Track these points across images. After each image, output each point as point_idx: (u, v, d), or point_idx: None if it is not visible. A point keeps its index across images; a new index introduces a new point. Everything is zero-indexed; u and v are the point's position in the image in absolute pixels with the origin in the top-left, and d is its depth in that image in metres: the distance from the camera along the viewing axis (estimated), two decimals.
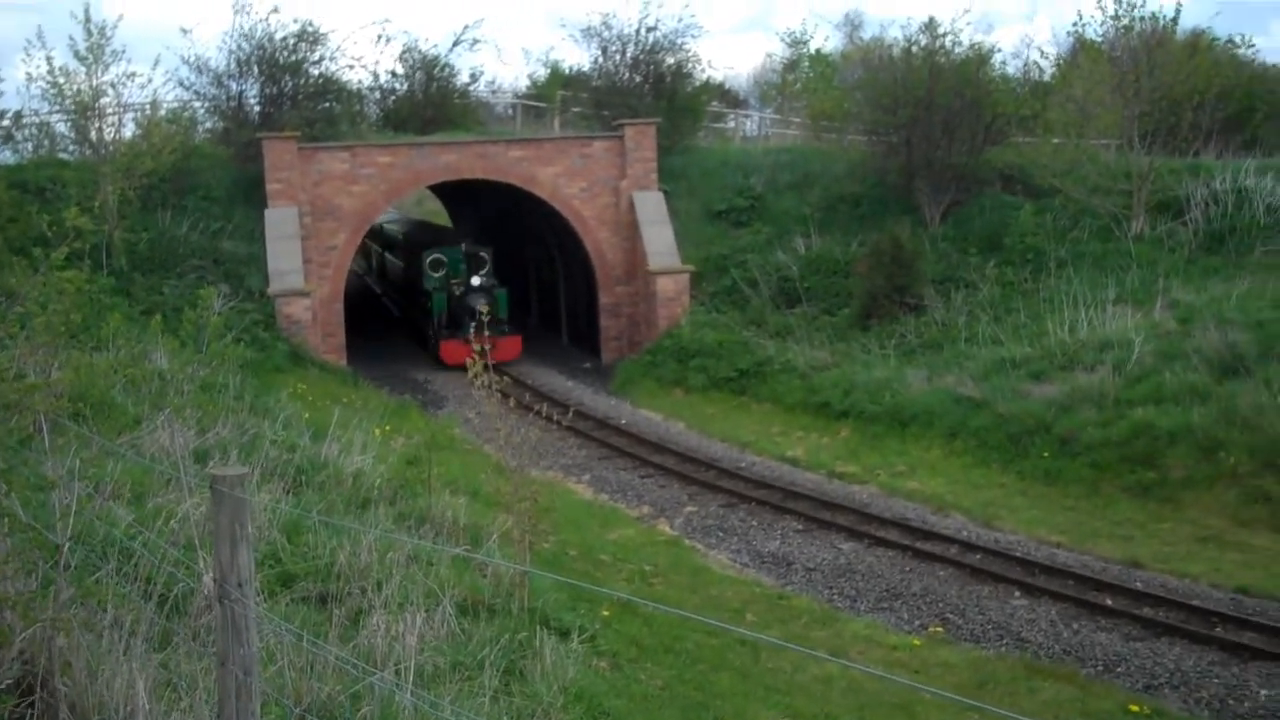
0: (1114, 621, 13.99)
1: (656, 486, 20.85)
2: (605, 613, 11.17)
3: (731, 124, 48.85)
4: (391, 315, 43.83)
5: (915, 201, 31.55)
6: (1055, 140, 30.81)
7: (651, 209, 31.63)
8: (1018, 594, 14.90)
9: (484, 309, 24.46)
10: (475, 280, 33.17)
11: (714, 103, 47.53)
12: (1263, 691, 12.10)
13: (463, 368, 24.51)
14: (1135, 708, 11.64)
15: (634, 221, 31.58)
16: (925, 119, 31.20)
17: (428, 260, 34.46)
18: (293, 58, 32.97)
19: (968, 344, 25.25)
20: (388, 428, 17.29)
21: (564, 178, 32.06)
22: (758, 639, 11.77)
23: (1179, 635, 13.46)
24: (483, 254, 34.37)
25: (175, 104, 32.43)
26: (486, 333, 23.04)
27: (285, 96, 32.99)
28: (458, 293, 33.07)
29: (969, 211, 31.11)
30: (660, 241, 31.08)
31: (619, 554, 15.82)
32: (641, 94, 36.71)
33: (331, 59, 34.55)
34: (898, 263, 28.25)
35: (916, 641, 13.60)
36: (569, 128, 39.74)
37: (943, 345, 25.86)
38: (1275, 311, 22.19)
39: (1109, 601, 14.44)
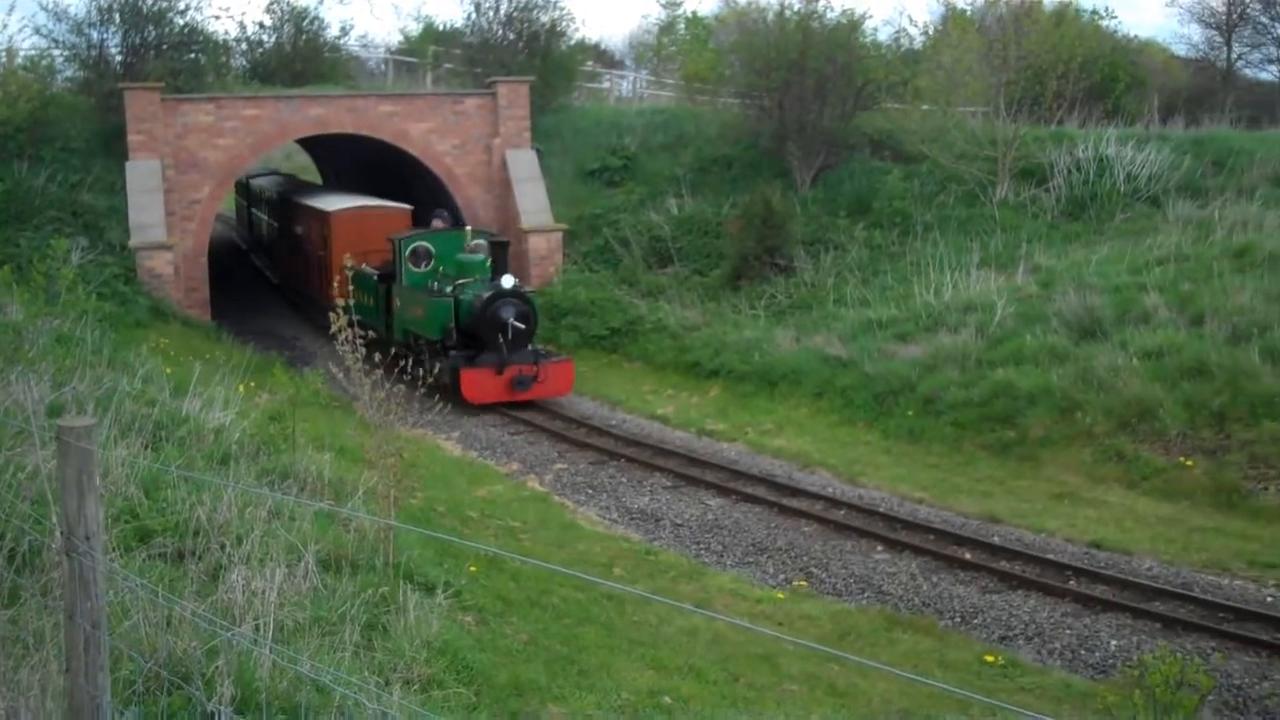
0: (972, 575, 14.33)
1: (526, 444, 20.84)
2: (472, 568, 11.13)
3: (606, 84, 48.71)
4: (260, 270, 42.44)
5: (787, 164, 31.79)
6: (924, 107, 31.27)
7: (524, 167, 31.43)
8: (880, 548, 15.18)
9: (520, 324, 22.86)
10: (506, 281, 23.46)
11: (589, 63, 47.43)
12: (1113, 641, 12.48)
13: (493, 408, 23.03)
14: (991, 658, 11.94)
15: (506, 180, 31.35)
16: (798, 83, 31.43)
17: (408, 250, 26.06)
18: (156, 6, 32.01)
19: (836, 305, 25.57)
20: (252, 384, 17.00)
21: (436, 134, 31.69)
22: (625, 591, 11.84)
23: (1034, 588, 13.83)
24: (500, 240, 25.61)
25: (32, 52, 31.41)
26: (531, 358, 22.15)
27: (149, 46, 32.02)
28: (471, 298, 23.81)
29: (839, 175, 31.45)
30: (533, 200, 30.91)
31: (488, 510, 15.78)
32: (515, 52, 36.40)
33: (197, 9, 33.89)
34: (768, 224, 28.44)
35: (781, 595, 13.79)
36: (441, 84, 39.28)
37: (811, 306, 26.17)
38: (1132, 276, 22.83)
39: (968, 555, 14.78)
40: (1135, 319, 20.92)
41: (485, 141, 31.86)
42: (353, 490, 11.40)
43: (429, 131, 31.61)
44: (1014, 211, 28.15)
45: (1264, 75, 53.44)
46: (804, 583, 14.28)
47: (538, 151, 32.10)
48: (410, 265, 25.64)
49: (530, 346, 23.40)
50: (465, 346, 23.61)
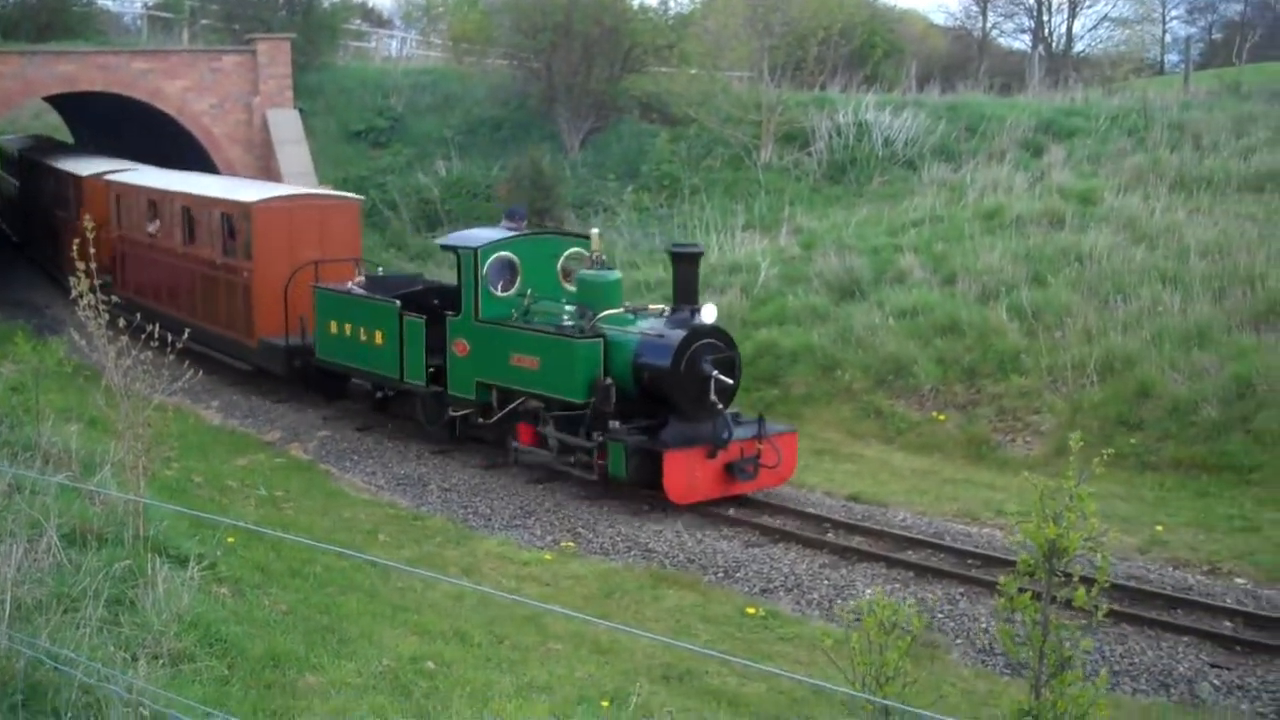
0: (735, 530, 14.60)
1: (291, 411, 20.36)
2: (230, 539, 10.82)
3: (373, 44, 47.80)
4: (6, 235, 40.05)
5: (556, 127, 31.77)
6: (691, 71, 31.61)
7: (286, 128, 30.62)
8: (646, 507, 15.33)
9: (728, 380, 14.89)
10: (708, 314, 15.15)
11: (357, 21, 46.44)
12: (868, 590, 12.88)
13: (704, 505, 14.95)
14: (752, 610, 12.20)
15: (268, 140, 30.49)
16: (565, 45, 31.40)
17: (487, 264, 16.66)
18: None
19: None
20: None
21: (193, 93, 30.59)
22: (374, 562, 11.69)
23: (794, 541, 14.18)
24: (689, 251, 15.93)
25: None
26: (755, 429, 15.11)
27: None
28: (638, 340, 15.30)
29: (608, 138, 31.59)
30: (296, 161, 30.15)
31: (248, 479, 15.38)
32: (275, 8, 35.42)
33: None
34: (538, 187, 28.42)
35: (548, 556, 13.82)
36: (199, 41, 37.95)
37: None
38: (889, 238, 23.58)
39: (731, 512, 15.04)
40: (892, 279, 21.64)
41: (245, 100, 30.92)
42: (102, 462, 10.97)
43: (185, 90, 30.49)
44: (778, 175, 28.73)
45: (1016, 44, 55.68)
46: (571, 543, 14.35)
47: (300, 111, 31.31)
48: (491, 287, 16.60)
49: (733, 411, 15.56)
50: (629, 414, 15.26)
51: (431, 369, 17.38)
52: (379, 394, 19.20)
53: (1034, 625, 6.51)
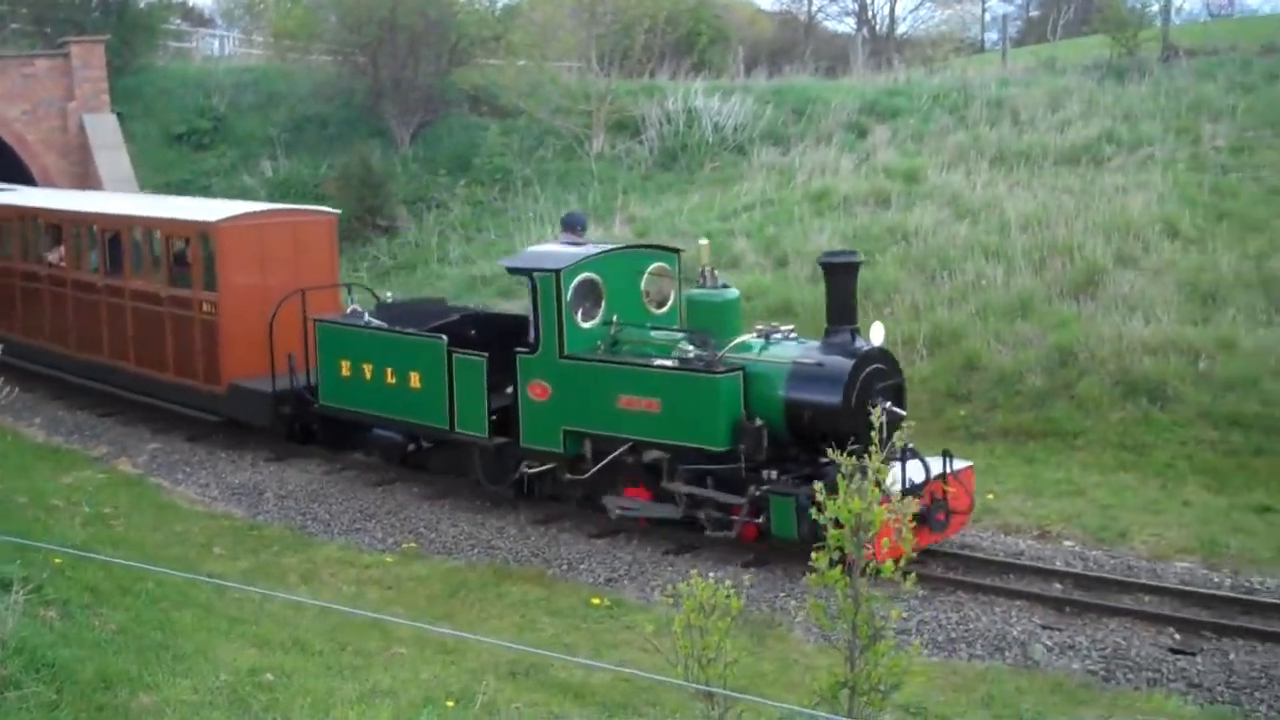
0: (577, 524, 14.57)
1: (118, 425, 19.75)
2: (56, 560, 10.48)
3: (193, 44, 46.64)
4: None
5: (384, 123, 31.39)
6: (520, 62, 31.48)
7: (104, 133, 29.71)
8: (488, 504, 15.25)
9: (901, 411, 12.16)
10: (876, 335, 12.72)
11: (176, 21, 45.25)
12: (710, 574, 12.97)
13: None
14: (596, 601, 12.22)
15: (86, 146, 29.56)
16: (390, 39, 31.04)
17: (571, 288, 13.74)
18: None
19: (440, 264, 25.55)
20: None
21: (3, 100, 29.55)
22: (201, 581, 11.44)
23: (635, 534, 14.18)
24: (845, 260, 13.29)
25: None
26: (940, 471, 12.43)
27: None
28: (788, 370, 12.68)
29: (438, 132, 31.35)
30: (115, 167, 29.25)
31: (74, 497, 14.92)
32: (89, 10, 34.36)
33: None
34: (368, 185, 28.06)
35: (389, 558, 13.67)
36: (9, 46, 36.61)
37: (416, 266, 26.04)
38: (722, 223, 23.83)
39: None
40: (726, 263, 21.82)
41: (60, 106, 29.95)
42: None
43: None
44: (610, 164, 28.79)
45: (842, 27, 56.55)
46: (414, 544, 14.20)
47: (119, 115, 30.42)
48: (574, 315, 13.78)
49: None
50: (774, 460, 12.71)
51: (493, 417, 14.46)
52: (411, 446, 15.97)
53: (845, 599, 6.63)
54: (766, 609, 11.91)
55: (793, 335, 13.30)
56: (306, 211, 20.19)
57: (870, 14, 52.67)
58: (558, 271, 13.53)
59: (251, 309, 17.52)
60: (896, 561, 6.64)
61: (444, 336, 14.94)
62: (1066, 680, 10.30)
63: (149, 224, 19.76)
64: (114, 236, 20.14)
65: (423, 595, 12.48)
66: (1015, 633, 11.22)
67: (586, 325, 13.79)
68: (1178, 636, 10.95)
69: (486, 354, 14.40)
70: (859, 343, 12.62)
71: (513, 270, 15.06)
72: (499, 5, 36.93)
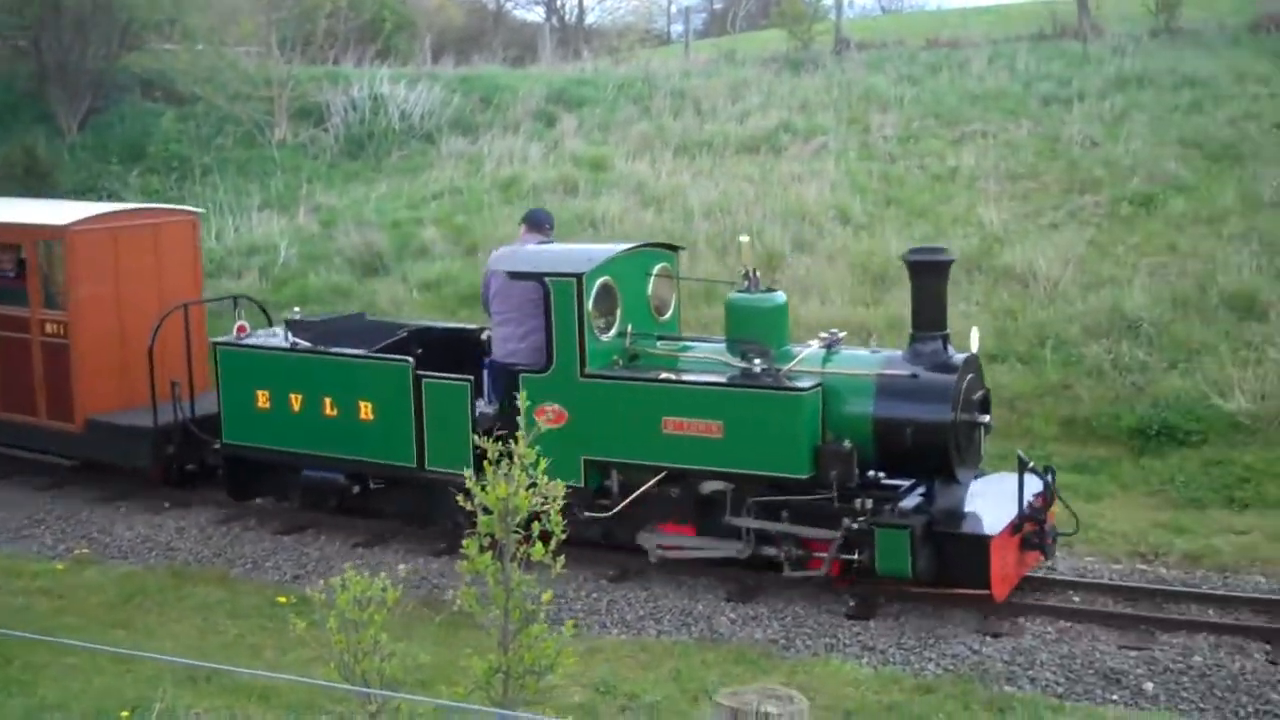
0: (262, 521, 14.18)
1: None
2: None
3: None
4: None
5: (50, 108, 29.75)
6: (197, 47, 30.36)
7: None
8: (168, 505, 14.68)
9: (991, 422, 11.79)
10: (975, 340, 11.76)
11: None
12: (400, 566, 12.83)
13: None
14: (283, 599, 11.90)
15: None
16: (54, 21, 29.40)
17: (593, 293, 11.82)
18: None
19: None
20: None
21: None
22: None
23: (324, 527, 13.89)
24: (937, 257, 11.71)
25: None
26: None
27: None
28: (874, 380, 11.23)
29: (109, 119, 29.95)
30: None
31: None
32: None
33: None
34: (33, 174, 26.55)
35: (60, 566, 12.97)
36: None
37: None
38: (410, 212, 23.61)
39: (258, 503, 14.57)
40: (415, 252, 21.67)
41: None
42: None
43: None
44: (294, 152, 28.10)
45: (531, 16, 56.80)
46: (87, 550, 13.51)
47: None
48: (596, 325, 11.96)
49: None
50: (854, 486, 11.18)
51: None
52: (356, 489, 13.44)
53: (496, 584, 6.64)
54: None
55: (829, 342, 11.77)
56: (166, 211, 17.15)
57: (559, 3, 53.13)
58: (579, 276, 11.61)
59: (107, 329, 15.12)
60: (546, 545, 6.66)
61: (409, 359, 12.74)
62: (750, 650, 10.62)
63: None
64: None
65: (95, 603, 11.87)
66: (701, 608, 11.49)
67: (605, 338, 11.97)
68: (852, 603, 11.43)
69: (471, 378, 12.43)
70: (949, 352, 11.32)
71: (517, 275, 12.17)
72: None
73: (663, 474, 11.63)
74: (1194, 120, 22.37)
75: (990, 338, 16.00)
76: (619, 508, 11.81)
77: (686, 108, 27.59)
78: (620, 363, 11.99)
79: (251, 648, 10.81)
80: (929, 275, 11.36)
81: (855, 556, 11.03)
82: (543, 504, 6.62)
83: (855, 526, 10.92)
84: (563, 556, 6.73)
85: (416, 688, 8.07)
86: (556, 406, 11.72)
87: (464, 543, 6.75)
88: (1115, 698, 9.65)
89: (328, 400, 13.01)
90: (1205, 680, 9.81)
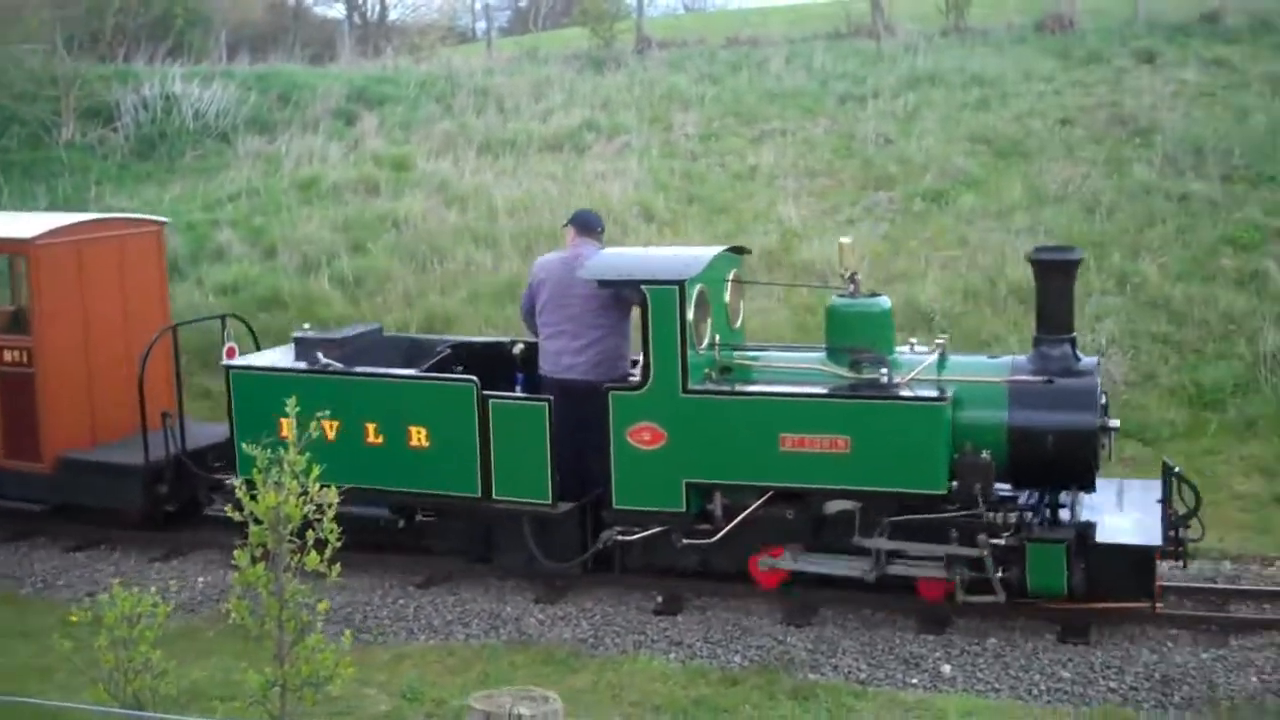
0: (54, 539, 13.72)
1: None
2: None
3: None
4: None
5: None
6: None
7: None
8: None
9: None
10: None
11: None
12: (200, 579, 12.54)
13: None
14: (76, 617, 11.48)
15: None
16: None
17: (693, 299, 10.97)
18: None
19: None
20: None
21: None
22: None
23: (123, 543, 13.48)
24: (1063, 256, 11.02)
25: None
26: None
27: None
28: (1008, 389, 10.60)
29: None
30: None
31: None
32: None
33: None
34: None
35: None
36: None
37: None
38: (206, 213, 23.01)
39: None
40: (211, 255, 21.16)
41: None
42: None
43: None
44: (82, 153, 27.12)
45: (332, 12, 55.81)
46: None
47: None
48: (695, 338, 11.06)
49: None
50: (973, 500, 10.38)
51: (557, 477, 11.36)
52: (401, 523, 12.21)
53: (269, 595, 6.55)
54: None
55: (931, 348, 11.22)
56: (130, 221, 15.35)
57: (360, 0, 52.40)
58: (681, 283, 10.68)
59: (74, 355, 13.64)
60: (321, 553, 6.59)
61: (473, 379, 11.55)
62: (558, 649, 10.66)
63: None
64: None
65: None
66: (509, 610, 11.50)
67: (701, 351, 11.10)
68: (660, 599, 11.55)
69: (549, 398, 11.33)
70: (1079, 356, 10.76)
71: (607, 283, 11.14)
72: None
73: (769, 494, 10.92)
74: (982, 117, 23.09)
75: (791, 332, 16.33)
76: (723, 532, 11.02)
77: (489, 106, 27.44)
78: (713, 376, 11.16)
79: (43, 670, 10.42)
80: (1057, 275, 10.73)
81: (1002, 573, 10.44)
82: (316, 512, 6.54)
83: (999, 543, 10.35)
84: (338, 564, 6.65)
85: (191, 705, 7.91)
86: (654, 426, 10.91)
87: (235, 554, 6.64)
88: (915, 681, 9.96)
89: (370, 427, 11.74)
90: (1000, 661, 10.18)
